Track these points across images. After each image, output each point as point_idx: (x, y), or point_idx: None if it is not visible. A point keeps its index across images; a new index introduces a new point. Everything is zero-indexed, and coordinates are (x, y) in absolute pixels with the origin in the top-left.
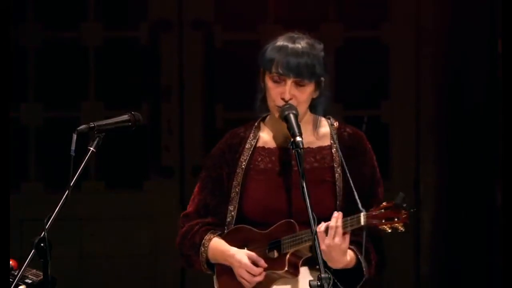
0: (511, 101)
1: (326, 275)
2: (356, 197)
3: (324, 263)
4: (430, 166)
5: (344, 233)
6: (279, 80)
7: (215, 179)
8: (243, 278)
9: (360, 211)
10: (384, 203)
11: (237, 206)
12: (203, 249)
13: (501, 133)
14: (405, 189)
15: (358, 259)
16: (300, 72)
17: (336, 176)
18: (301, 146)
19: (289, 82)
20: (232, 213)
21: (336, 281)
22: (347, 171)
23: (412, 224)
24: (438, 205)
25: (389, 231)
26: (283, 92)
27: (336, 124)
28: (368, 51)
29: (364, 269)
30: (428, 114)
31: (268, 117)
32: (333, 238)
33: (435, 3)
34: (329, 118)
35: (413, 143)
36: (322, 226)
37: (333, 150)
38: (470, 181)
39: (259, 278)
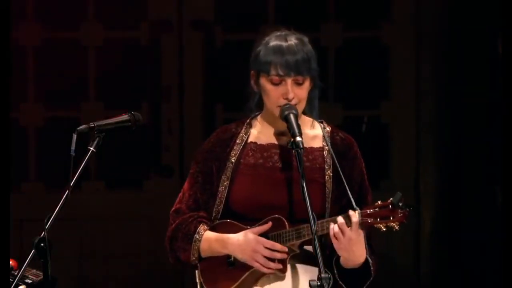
0: (511, 101)
1: (326, 275)
2: (350, 196)
3: (327, 263)
4: (430, 166)
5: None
6: (279, 81)
7: (206, 173)
8: (264, 256)
9: (354, 210)
10: (379, 202)
11: (223, 200)
12: (197, 236)
13: (501, 133)
14: (405, 189)
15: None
16: (299, 70)
17: (326, 178)
18: (301, 146)
19: (289, 81)
20: (219, 207)
21: (344, 285)
22: (341, 173)
23: (412, 224)
24: (438, 205)
25: (384, 229)
26: (285, 92)
27: (328, 128)
28: (368, 51)
29: (371, 268)
30: (428, 114)
31: (259, 115)
32: (356, 232)
33: (435, 3)
34: (321, 122)
35: (413, 143)
36: (340, 218)
37: (325, 152)
38: (470, 181)
39: (280, 255)
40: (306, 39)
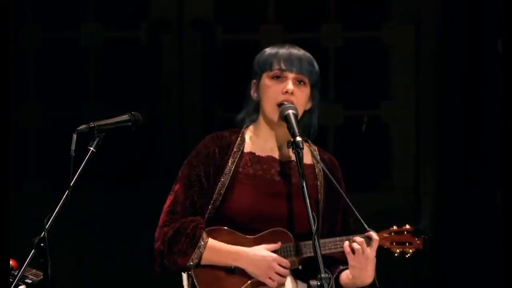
0: (511, 101)
1: (326, 275)
2: (359, 216)
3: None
4: (430, 166)
5: None
6: (281, 76)
7: (204, 178)
8: (277, 273)
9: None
10: (394, 227)
11: (216, 207)
12: (202, 243)
13: (501, 133)
14: (405, 189)
15: None
16: (301, 68)
17: (319, 196)
18: (301, 146)
19: (291, 76)
20: (210, 214)
21: None
22: (342, 191)
23: (412, 224)
24: (438, 205)
25: (396, 255)
26: (284, 87)
27: (315, 147)
28: (368, 51)
29: (376, 282)
30: (428, 114)
31: (251, 126)
32: (374, 251)
33: (435, 3)
34: (307, 141)
35: (413, 143)
36: (358, 238)
37: (316, 169)
38: (470, 181)
39: (287, 272)
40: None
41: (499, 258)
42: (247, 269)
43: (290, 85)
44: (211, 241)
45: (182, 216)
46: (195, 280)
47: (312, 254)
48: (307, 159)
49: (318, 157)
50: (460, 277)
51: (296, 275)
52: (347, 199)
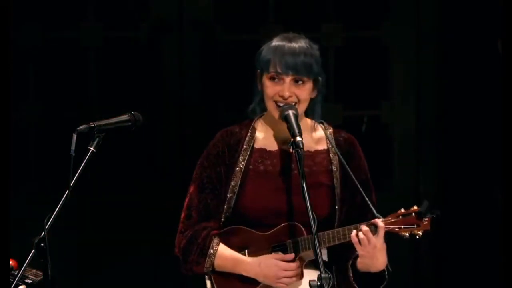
0: (511, 101)
1: (326, 275)
2: (369, 202)
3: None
4: (430, 166)
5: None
6: (277, 79)
7: (216, 178)
8: (287, 277)
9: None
10: (402, 210)
11: (232, 206)
12: (211, 251)
13: (501, 133)
14: (405, 189)
15: None
16: (297, 70)
17: (335, 181)
18: (301, 146)
19: (288, 79)
20: (227, 213)
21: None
22: (352, 175)
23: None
24: (438, 205)
25: (405, 238)
26: (281, 90)
27: (331, 129)
28: (368, 51)
29: (386, 272)
30: (428, 114)
31: (262, 118)
32: (381, 239)
33: (435, 3)
34: (322, 123)
35: (413, 143)
36: (363, 226)
37: (331, 154)
38: (470, 181)
39: (300, 269)
40: (315, 45)
41: (499, 258)
42: (257, 279)
43: (286, 92)
44: (221, 250)
45: (197, 221)
46: (213, 282)
47: (327, 244)
48: (322, 144)
49: (333, 141)
50: (460, 277)
51: (310, 265)
52: (355, 182)
